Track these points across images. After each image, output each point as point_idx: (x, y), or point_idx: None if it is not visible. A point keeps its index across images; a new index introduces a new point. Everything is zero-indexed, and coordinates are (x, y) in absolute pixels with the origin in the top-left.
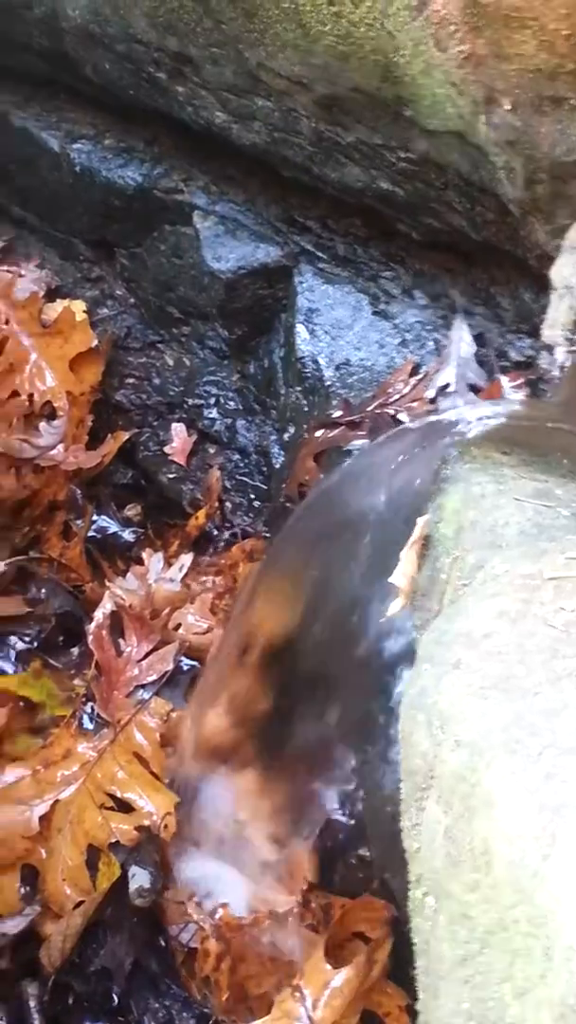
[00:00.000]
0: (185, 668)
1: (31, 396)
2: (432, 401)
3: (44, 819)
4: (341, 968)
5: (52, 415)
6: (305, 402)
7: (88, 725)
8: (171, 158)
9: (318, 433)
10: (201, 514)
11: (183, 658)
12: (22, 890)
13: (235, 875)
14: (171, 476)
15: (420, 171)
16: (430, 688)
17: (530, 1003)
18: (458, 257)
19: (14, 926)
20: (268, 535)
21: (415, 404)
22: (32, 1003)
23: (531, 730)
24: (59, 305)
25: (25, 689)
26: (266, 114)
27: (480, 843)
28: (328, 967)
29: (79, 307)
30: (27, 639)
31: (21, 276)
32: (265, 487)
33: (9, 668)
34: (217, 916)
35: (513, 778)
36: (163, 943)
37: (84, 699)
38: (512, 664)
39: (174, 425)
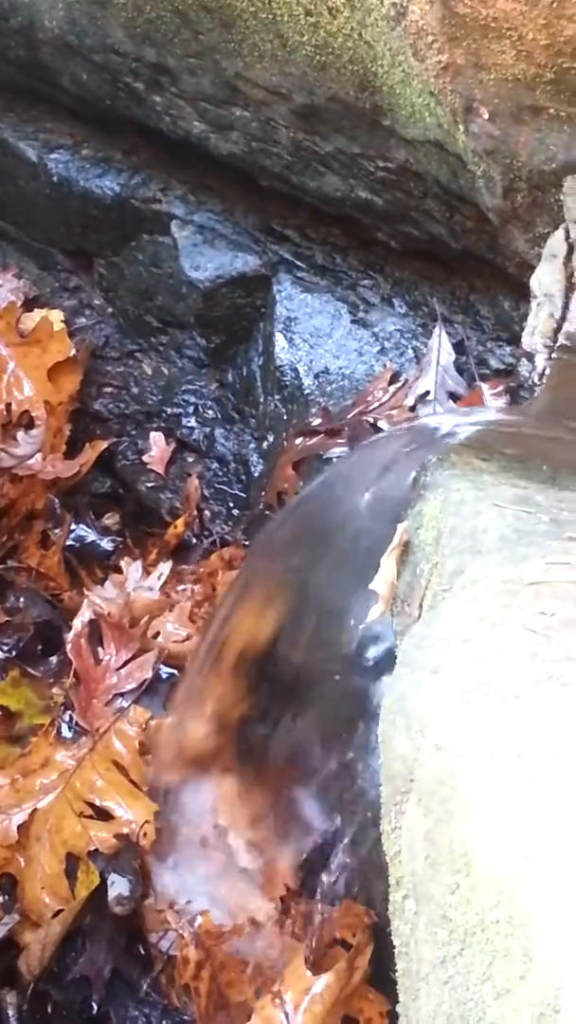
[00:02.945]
0: (164, 676)
1: (8, 406)
2: (411, 409)
3: (23, 828)
4: (321, 974)
5: (30, 424)
6: (284, 410)
7: (67, 733)
8: (149, 168)
9: (297, 441)
10: (180, 523)
11: (162, 666)
12: (0, 899)
13: (215, 882)
14: (149, 485)
15: (399, 180)
16: (409, 693)
17: (509, 1004)
18: (438, 265)
19: None
20: (247, 543)
21: (394, 412)
22: (11, 1012)
23: (511, 733)
24: (37, 315)
25: (3, 698)
26: (244, 124)
27: (460, 846)
28: (308, 973)
29: (57, 317)
30: (5, 648)
31: None
32: (244, 495)
33: None
34: (197, 924)
35: (492, 781)
36: (143, 951)
37: (63, 707)
38: (492, 668)
39: (152, 434)
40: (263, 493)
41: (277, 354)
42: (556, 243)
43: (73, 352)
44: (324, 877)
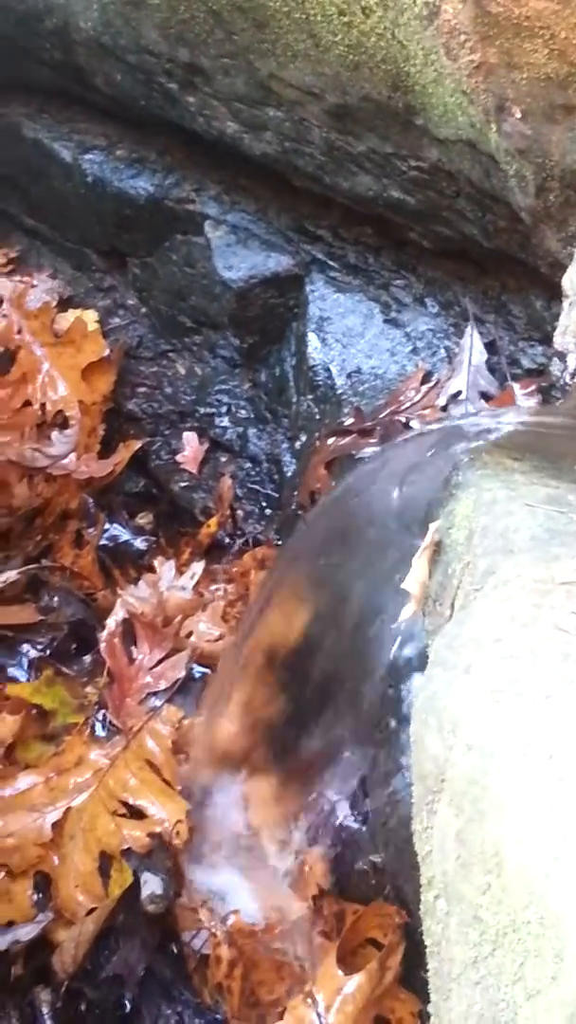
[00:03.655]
0: (197, 675)
1: (43, 406)
2: (443, 408)
3: (57, 826)
4: (353, 974)
5: (64, 424)
6: (316, 410)
7: (100, 732)
8: (183, 168)
9: (329, 441)
10: (213, 522)
11: (195, 665)
12: (35, 897)
13: (247, 881)
14: (183, 484)
15: (431, 180)
16: (441, 692)
17: (541, 1004)
18: (470, 265)
19: (27, 933)
20: (280, 543)
21: (426, 411)
22: (45, 1009)
23: (542, 733)
24: (71, 315)
25: (38, 697)
26: (277, 124)
27: (491, 846)
28: (340, 973)
29: (91, 317)
30: (40, 647)
31: (34, 286)
32: (276, 495)
33: (22, 676)
34: (229, 922)
35: (524, 781)
36: (175, 950)
37: (96, 706)
38: (523, 668)
39: (186, 434)
40: (296, 493)
41: (310, 354)
42: None
43: (107, 352)
44: (356, 877)
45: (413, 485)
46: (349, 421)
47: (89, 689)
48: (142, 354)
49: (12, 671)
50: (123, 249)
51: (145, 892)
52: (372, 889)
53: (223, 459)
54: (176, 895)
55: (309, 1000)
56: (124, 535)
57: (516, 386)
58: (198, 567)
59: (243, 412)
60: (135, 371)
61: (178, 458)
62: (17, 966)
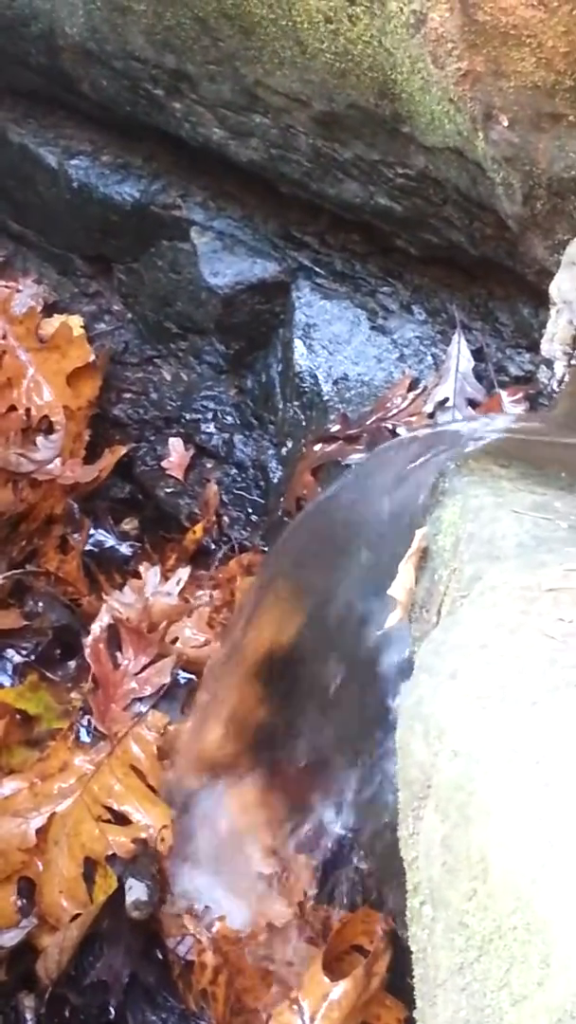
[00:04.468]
0: (182, 681)
1: (28, 411)
2: (430, 415)
3: (41, 832)
4: (339, 981)
5: (49, 429)
6: (303, 417)
7: (85, 738)
8: (169, 174)
9: (316, 447)
10: (198, 528)
11: (180, 671)
12: (19, 903)
13: (233, 888)
14: (168, 490)
15: (418, 187)
16: (427, 698)
17: (527, 1010)
18: (457, 272)
19: (10, 939)
20: (266, 549)
21: (413, 418)
22: (28, 1016)
23: (528, 739)
24: (56, 320)
25: (22, 702)
26: (264, 131)
27: (477, 851)
28: (326, 980)
29: (76, 322)
30: (24, 652)
31: (19, 291)
32: (263, 501)
33: (6, 681)
34: (214, 929)
35: (510, 787)
36: (160, 956)
37: (81, 712)
38: (509, 674)
39: (171, 440)
40: (282, 499)
41: (296, 360)
42: (575, 250)
43: (92, 358)
44: (342, 883)
45: (400, 492)
46: (335, 428)
47: (74, 694)
48: (128, 360)
49: None
50: (109, 255)
51: (130, 898)
52: (358, 895)
53: (209, 465)
54: (161, 901)
55: (295, 1007)
56: (109, 541)
57: (503, 393)
58: (184, 573)
59: (229, 418)
60: (121, 377)
61: (164, 464)
62: (1, 972)
